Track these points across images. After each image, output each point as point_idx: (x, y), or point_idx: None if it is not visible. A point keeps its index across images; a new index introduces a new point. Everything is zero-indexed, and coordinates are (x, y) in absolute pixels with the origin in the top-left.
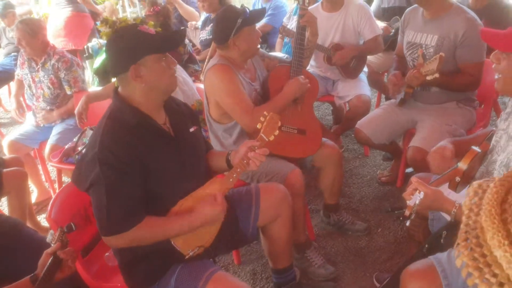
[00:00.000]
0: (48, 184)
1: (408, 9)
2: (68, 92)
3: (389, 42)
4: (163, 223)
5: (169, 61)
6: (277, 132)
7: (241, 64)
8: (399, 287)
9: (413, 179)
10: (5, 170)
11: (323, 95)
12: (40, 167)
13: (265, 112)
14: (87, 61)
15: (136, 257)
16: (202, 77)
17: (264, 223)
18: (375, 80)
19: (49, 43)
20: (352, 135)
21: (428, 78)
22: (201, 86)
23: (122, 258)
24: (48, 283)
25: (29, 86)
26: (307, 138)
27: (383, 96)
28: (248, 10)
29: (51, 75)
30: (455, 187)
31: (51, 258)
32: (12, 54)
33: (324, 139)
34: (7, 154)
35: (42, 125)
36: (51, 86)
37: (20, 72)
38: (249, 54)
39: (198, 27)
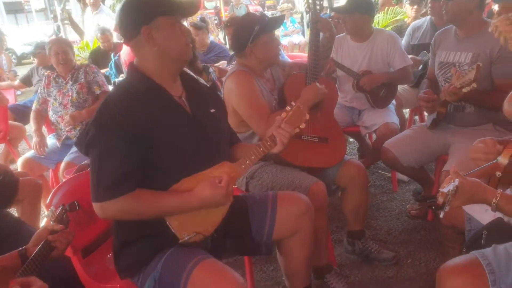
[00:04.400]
0: None
1: (438, 31)
2: (97, 92)
3: (418, 78)
4: (155, 197)
5: (184, 29)
6: (303, 126)
7: (260, 73)
8: None
9: (452, 168)
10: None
11: (349, 126)
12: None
13: (292, 102)
14: None
15: (128, 239)
16: None
17: (281, 237)
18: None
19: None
20: (380, 171)
21: (465, 90)
22: None
23: (116, 240)
24: (39, 263)
25: (55, 99)
26: (330, 146)
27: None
28: (266, 18)
29: (81, 81)
30: (496, 183)
31: (42, 242)
32: None
33: (349, 156)
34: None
35: (61, 143)
36: (79, 91)
37: (45, 92)
38: (268, 62)
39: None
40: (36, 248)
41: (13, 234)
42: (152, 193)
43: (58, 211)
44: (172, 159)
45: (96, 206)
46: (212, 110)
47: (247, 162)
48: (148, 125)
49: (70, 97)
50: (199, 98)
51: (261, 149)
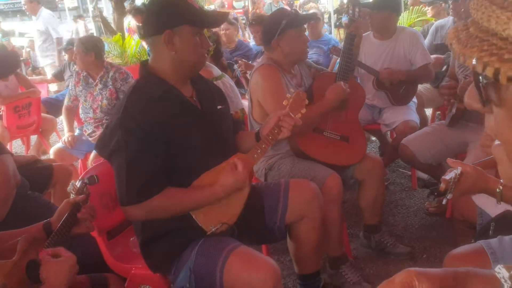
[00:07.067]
0: None
1: None
2: None
3: (441, 78)
4: (184, 194)
5: (204, 41)
6: (304, 110)
7: (288, 68)
8: None
9: (449, 160)
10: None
11: (369, 123)
12: None
13: (291, 89)
14: None
15: (156, 234)
16: (247, 96)
17: (291, 221)
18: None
19: (105, 61)
20: (400, 169)
21: None
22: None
23: (143, 236)
24: (62, 237)
25: (85, 100)
26: (350, 146)
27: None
28: (296, 14)
29: (110, 87)
30: None
31: (66, 214)
32: None
33: (367, 151)
34: None
35: (87, 135)
36: (109, 97)
37: (75, 90)
38: (294, 57)
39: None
40: (59, 222)
41: (43, 214)
42: (180, 191)
43: (78, 185)
44: (190, 157)
45: (125, 209)
46: (219, 107)
47: (259, 151)
48: (167, 126)
49: (100, 103)
50: (207, 96)
51: (270, 137)
